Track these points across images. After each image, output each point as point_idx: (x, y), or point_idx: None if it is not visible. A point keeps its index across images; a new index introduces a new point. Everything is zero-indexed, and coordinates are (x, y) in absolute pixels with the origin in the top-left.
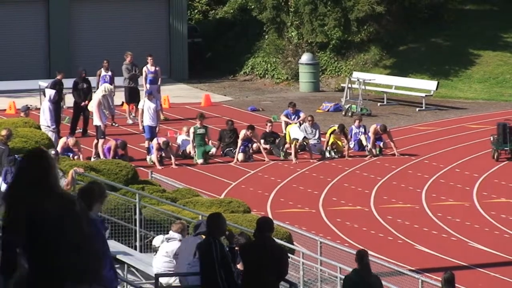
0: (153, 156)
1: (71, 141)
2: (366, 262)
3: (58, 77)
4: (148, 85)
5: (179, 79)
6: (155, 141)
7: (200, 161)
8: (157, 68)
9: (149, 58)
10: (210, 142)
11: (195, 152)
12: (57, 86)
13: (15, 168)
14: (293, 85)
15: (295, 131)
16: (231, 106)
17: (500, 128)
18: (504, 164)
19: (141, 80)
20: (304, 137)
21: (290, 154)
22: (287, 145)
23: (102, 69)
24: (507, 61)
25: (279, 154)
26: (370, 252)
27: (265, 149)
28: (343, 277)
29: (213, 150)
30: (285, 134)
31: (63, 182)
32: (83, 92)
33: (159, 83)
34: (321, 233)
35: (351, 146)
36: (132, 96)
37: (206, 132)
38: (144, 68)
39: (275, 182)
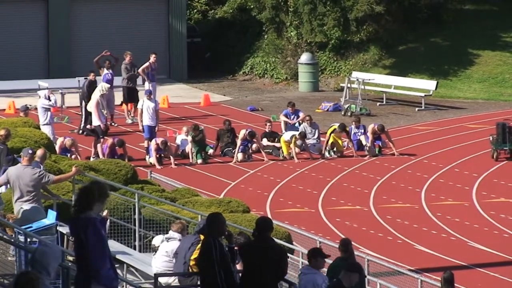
0: (152, 159)
1: (68, 142)
2: (351, 248)
3: (90, 77)
4: (150, 81)
5: (178, 79)
6: (153, 142)
7: (199, 161)
8: (156, 65)
9: (153, 55)
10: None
11: (193, 153)
12: (91, 86)
13: None
14: (293, 85)
15: (287, 135)
16: (230, 106)
17: (499, 128)
18: (504, 164)
19: (140, 80)
20: (301, 132)
21: (288, 158)
22: (286, 155)
23: (104, 68)
24: (507, 61)
25: (278, 154)
26: (369, 252)
27: (267, 146)
28: None
29: (211, 151)
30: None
31: (52, 177)
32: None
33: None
34: (321, 232)
35: (350, 146)
36: (131, 96)
37: (203, 136)
38: (147, 64)
39: (275, 181)
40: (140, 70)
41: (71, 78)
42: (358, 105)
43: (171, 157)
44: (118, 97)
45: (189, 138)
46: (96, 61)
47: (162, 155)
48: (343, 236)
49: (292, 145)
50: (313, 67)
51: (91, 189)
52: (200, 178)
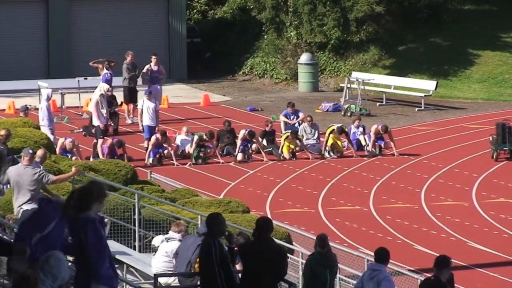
0: (151, 159)
1: (68, 145)
2: (328, 244)
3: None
4: (150, 84)
5: (178, 79)
6: (153, 137)
7: (199, 160)
8: (160, 67)
9: (153, 57)
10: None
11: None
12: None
13: None
14: (292, 85)
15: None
16: (230, 106)
17: (499, 128)
18: (503, 164)
19: (140, 80)
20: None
21: (288, 158)
22: (285, 154)
23: (104, 68)
24: (506, 61)
25: (278, 154)
26: (369, 252)
27: (266, 145)
28: (342, 277)
29: (209, 150)
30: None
31: (52, 177)
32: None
33: (161, 82)
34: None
35: (350, 147)
36: (131, 96)
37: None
38: (147, 66)
39: (274, 182)
40: (141, 76)
41: (71, 78)
42: (358, 105)
43: (172, 155)
44: (119, 97)
45: (195, 139)
46: (93, 63)
47: (162, 154)
48: (342, 237)
49: (290, 145)
50: (312, 67)
51: (90, 189)
52: (200, 178)
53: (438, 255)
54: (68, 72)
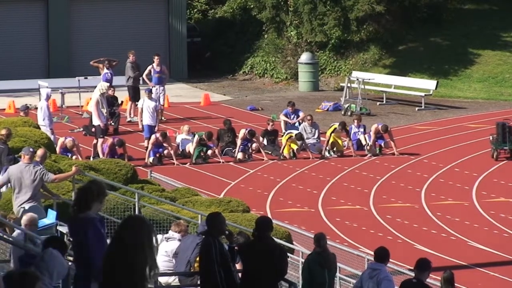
0: (151, 159)
1: (68, 143)
2: (324, 243)
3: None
4: (154, 84)
5: (179, 79)
6: (152, 137)
7: (199, 160)
8: (163, 67)
9: (156, 57)
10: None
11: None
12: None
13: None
14: (293, 84)
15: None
16: (230, 106)
17: (499, 128)
18: (503, 164)
19: (142, 80)
20: (296, 134)
21: (288, 158)
22: (286, 154)
23: (104, 67)
24: (507, 60)
25: (278, 155)
26: (369, 251)
27: (266, 146)
28: (342, 276)
29: (209, 152)
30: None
31: (52, 176)
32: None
33: (164, 82)
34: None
35: (350, 145)
36: (135, 95)
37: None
38: (149, 67)
39: (274, 181)
40: (144, 76)
41: (71, 78)
42: (358, 104)
43: (172, 154)
44: (119, 96)
45: (195, 139)
46: (93, 63)
47: (162, 154)
48: (343, 236)
49: (290, 145)
50: (313, 67)
51: (90, 189)
52: (200, 177)
53: (421, 257)
54: (68, 71)
